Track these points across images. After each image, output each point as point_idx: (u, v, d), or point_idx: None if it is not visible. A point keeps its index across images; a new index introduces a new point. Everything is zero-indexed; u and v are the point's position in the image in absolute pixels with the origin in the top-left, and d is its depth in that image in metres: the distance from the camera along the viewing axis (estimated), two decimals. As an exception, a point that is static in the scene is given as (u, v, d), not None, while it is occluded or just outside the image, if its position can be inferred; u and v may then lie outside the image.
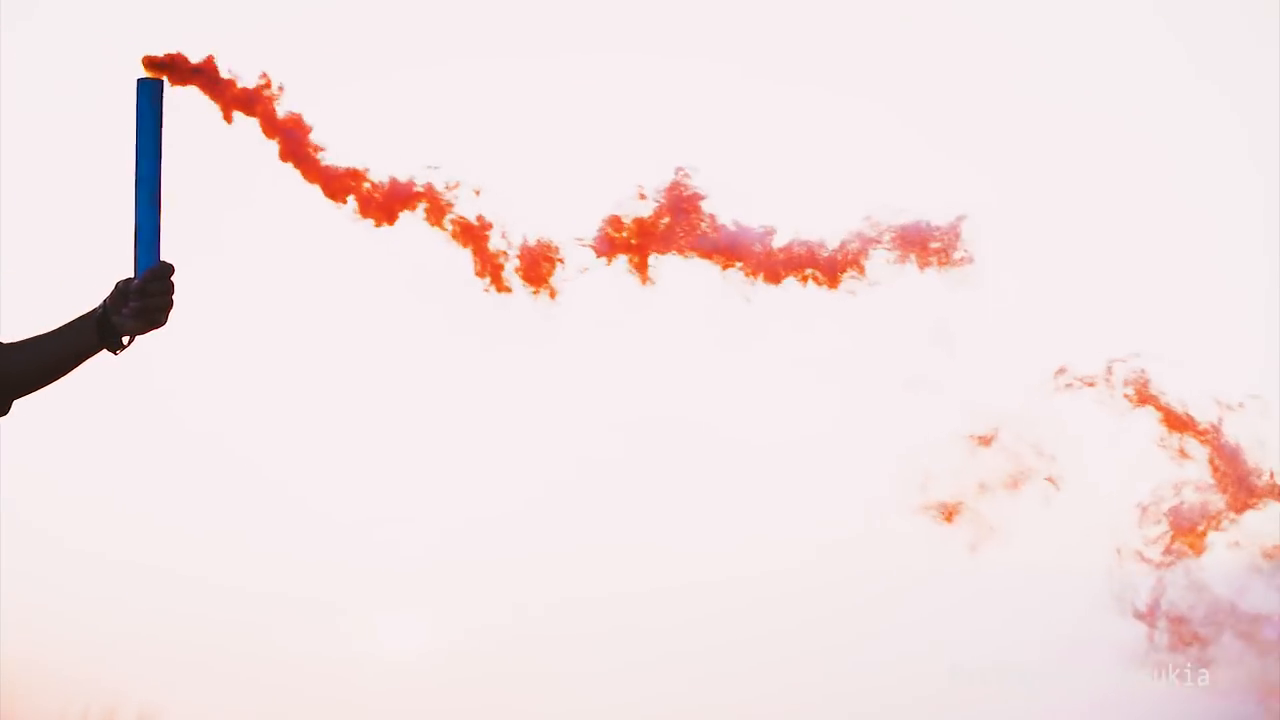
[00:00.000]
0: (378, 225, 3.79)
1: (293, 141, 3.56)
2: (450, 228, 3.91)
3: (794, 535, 7.36)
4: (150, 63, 3.10)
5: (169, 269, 3.04)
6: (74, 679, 7.83)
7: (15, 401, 3.18)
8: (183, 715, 7.88)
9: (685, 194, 4.08)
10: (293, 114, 3.54)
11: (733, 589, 7.63)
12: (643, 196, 4.09)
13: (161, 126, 3.03)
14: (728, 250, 4.11)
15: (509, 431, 7.72)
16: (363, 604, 8.10)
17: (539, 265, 3.99)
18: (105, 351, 3.09)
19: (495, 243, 3.97)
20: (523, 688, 7.98)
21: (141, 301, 3.02)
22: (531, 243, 4.00)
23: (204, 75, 3.31)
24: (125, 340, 3.07)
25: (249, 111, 3.45)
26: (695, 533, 7.57)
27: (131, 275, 3.05)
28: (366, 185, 3.75)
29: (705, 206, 4.10)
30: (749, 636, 7.69)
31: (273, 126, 3.52)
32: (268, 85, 3.47)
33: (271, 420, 8.09)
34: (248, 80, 3.44)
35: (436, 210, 3.87)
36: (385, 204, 3.77)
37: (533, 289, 4.01)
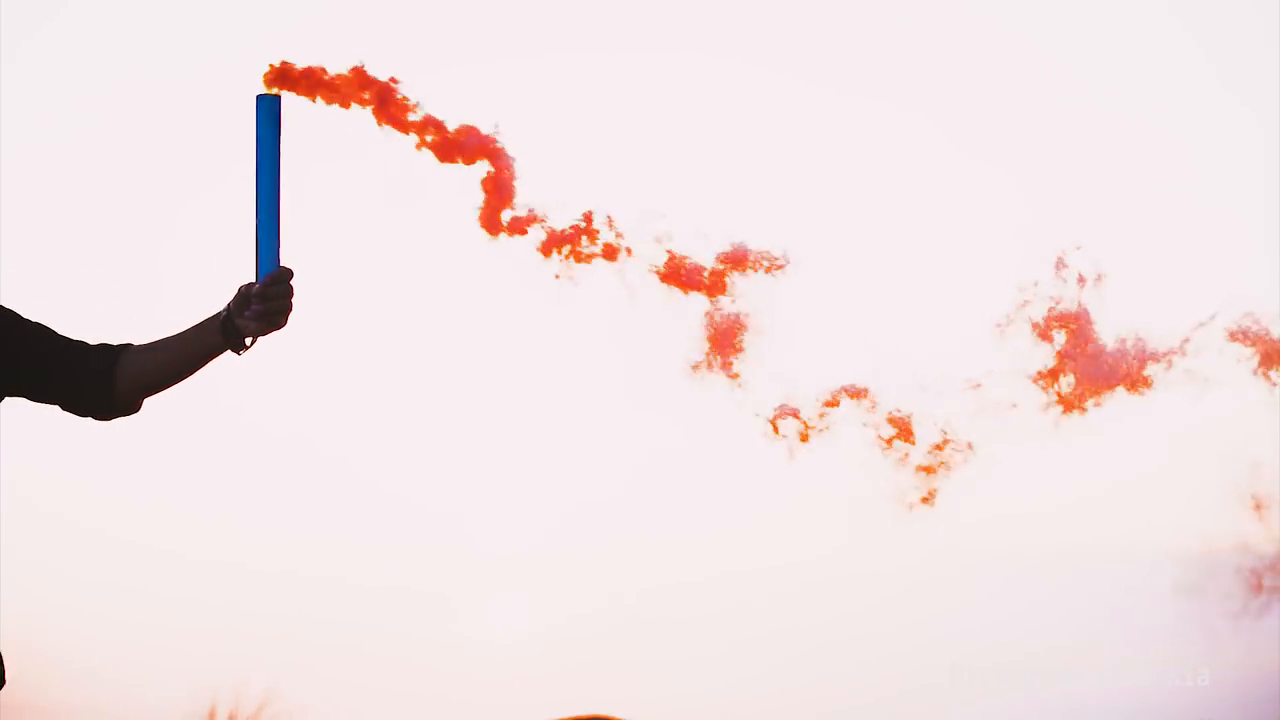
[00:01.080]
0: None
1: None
2: (879, 433, 3.65)
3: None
4: (275, 76, 3.12)
5: (288, 273, 3.09)
6: (201, 673, 7.96)
7: (145, 401, 3.25)
8: (302, 701, 7.97)
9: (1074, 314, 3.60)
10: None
11: (820, 569, 7.61)
12: (1027, 309, 3.71)
13: (280, 139, 3.07)
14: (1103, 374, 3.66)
15: (602, 420, 7.72)
16: (468, 591, 8.15)
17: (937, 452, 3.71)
18: (229, 352, 3.15)
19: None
20: (622, 671, 8.00)
21: (263, 305, 3.07)
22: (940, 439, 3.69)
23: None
24: (248, 341, 3.12)
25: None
26: (784, 518, 7.55)
27: (253, 280, 3.10)
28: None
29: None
30: (836, 616, 7.67)
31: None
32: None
33: (380, 422, 8.15)
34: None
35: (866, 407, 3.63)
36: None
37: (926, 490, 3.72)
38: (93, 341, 3.20)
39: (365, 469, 8.19)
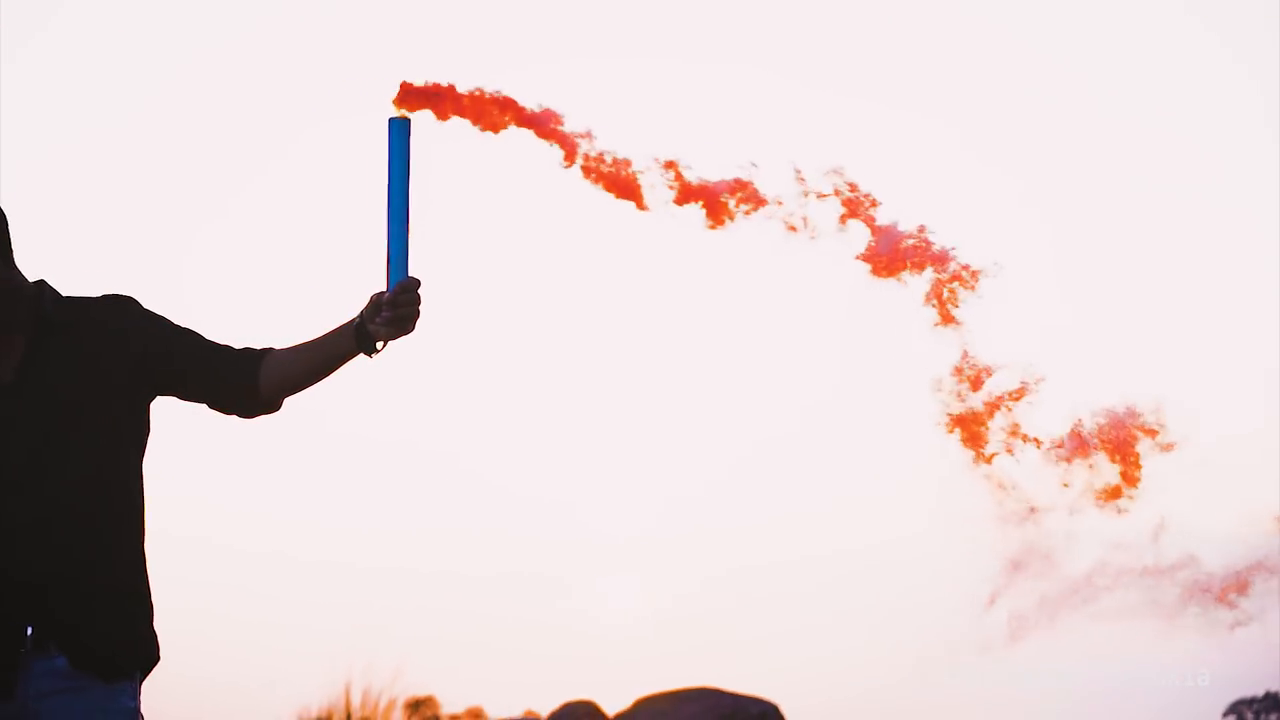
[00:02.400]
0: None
1: None
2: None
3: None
4: (406, 94, 3.18)
5: (416, 283, 3.18)
6: (339, 654, 8.14)
7: (285, 400, 3.35)
8: (429, 677, 8.12)
9: None
10: None
11: (921, 545, 7.62)
12: None
13: (410, 159, 3.14)
14: None
15: (702, 413, 7.77)
16: (583, 573, 8.26)
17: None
18: (362, 355, 3.24)
19: None
20: (728, 646, 8.06)
21: (393, 311, 3.17)
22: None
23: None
24: (379, 345, 3.22)
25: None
26: (886, 496, 7.56)
27: (384, 289, 3.19)
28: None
29: None
30: (934, 590, 7.68)
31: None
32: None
33: (497, 418, 8.26)
34: None
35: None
36: None
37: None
38: (237, 345, 3.31)
39: (483, 463, 8.31)
